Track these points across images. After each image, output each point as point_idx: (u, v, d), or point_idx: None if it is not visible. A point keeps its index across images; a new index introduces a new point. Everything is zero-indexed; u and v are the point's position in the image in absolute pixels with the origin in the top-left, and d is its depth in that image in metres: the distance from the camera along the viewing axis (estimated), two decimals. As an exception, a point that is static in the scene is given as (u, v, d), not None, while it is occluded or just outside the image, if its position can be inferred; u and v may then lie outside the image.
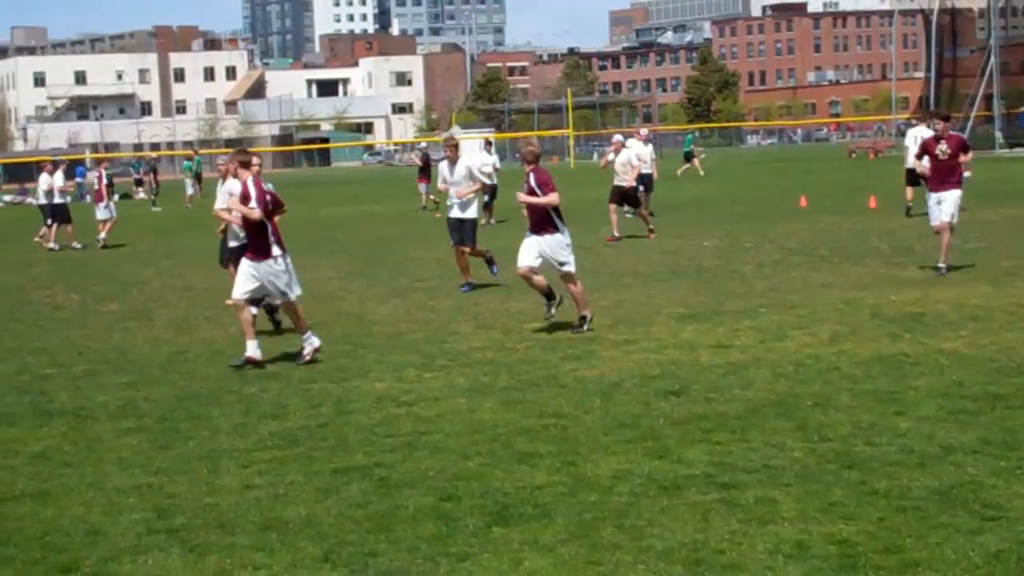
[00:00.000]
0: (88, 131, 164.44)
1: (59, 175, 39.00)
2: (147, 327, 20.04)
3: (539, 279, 17.45)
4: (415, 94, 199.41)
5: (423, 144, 56.13)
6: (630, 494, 9.50)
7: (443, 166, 23.63)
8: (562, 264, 17.31)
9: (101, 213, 38.71)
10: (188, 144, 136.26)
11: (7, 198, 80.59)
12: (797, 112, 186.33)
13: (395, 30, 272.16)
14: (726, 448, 10.72)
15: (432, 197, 47.94)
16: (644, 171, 39.89)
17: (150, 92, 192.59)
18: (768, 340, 15.86)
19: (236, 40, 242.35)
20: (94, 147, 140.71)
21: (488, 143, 43.84)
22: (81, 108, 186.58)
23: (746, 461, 10.26)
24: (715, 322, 17.64)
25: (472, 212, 23.26)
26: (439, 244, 30.47)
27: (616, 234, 31.94)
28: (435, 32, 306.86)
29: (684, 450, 10.72)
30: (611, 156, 32.77)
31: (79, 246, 37.88)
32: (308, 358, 15.73)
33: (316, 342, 15.84)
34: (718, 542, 8.33)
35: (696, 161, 69.87)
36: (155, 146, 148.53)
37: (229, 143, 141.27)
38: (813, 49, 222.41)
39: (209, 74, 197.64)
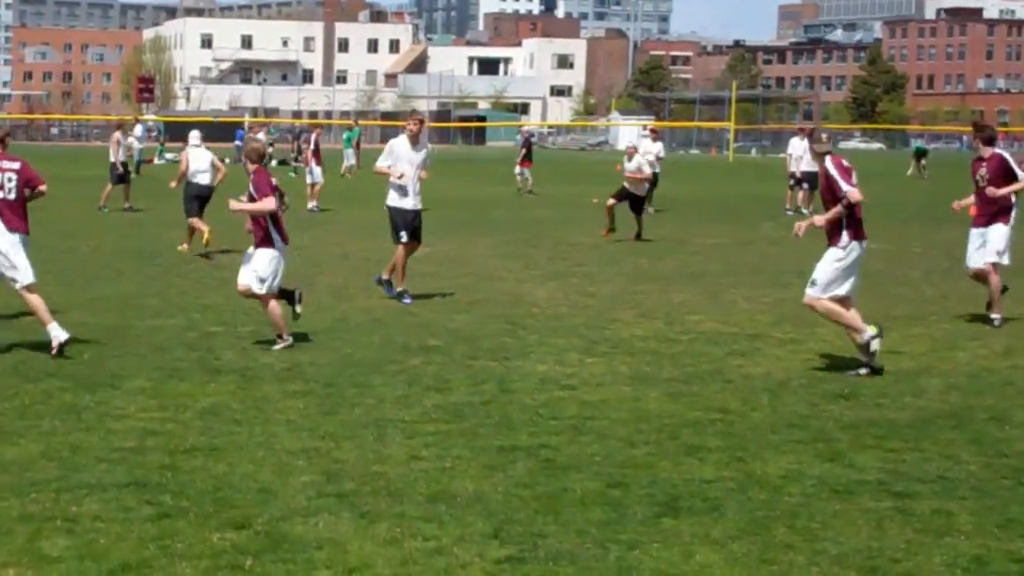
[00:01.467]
0: (249, 95, 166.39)
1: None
2: (308, 291, 20.22)
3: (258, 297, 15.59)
4: (575, 77, 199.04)
5: (526, 128, 55.94)
6: (801, 495, 9.47)
7: (401, 143, 19.35)
8: (262, 280, 15.31)
9: (311, 177, 39.50)
10: (346, 114, 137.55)
11: (169, 156, 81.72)
12: (964, 118, 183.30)
13: (560, 12, 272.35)
14: (899, 456, 10.64)
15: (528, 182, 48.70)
16: (807, 169, 39.73)
17: (313, 60, 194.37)
18: (939, 349, 15.71)
19: (402, 14, 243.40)
20: (254, 111, 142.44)
21: (654, 132, 43.63)
22: (244, 72, 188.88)
23: (920, 471, 10.16)
24: (884, 327, 17.43)
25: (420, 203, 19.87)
26: (597, 230, 30.49)
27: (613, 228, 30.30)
28: (600, 17, 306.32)
29: (856, 455, 10.65)
30: (626, 163, 31.67)
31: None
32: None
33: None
34: (893, 551, 8.27)
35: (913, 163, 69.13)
36: (313, 114, 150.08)
37: (386, 116, 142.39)
38: (985, 55, 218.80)
39: (373, 46, 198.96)
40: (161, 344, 15.24)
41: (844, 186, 14.38)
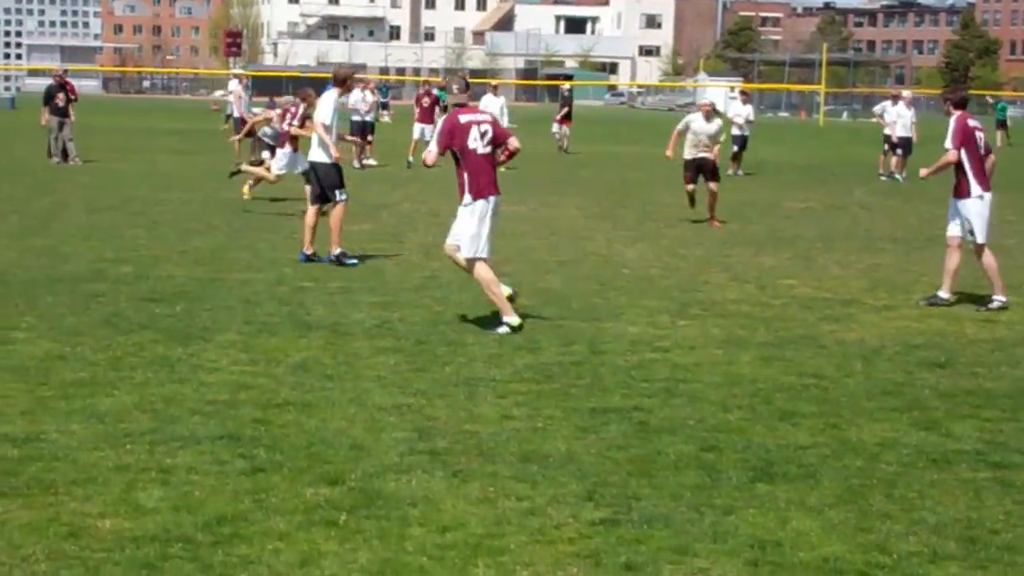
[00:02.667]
0: (337, 51, 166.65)
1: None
2: (398, 249, 20.32)
3: None
4: (663, 38, 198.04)
5: (566, 86, 55.38)
6: (898, 463, 9.37)
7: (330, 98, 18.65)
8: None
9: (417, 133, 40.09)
10: (433, 71, 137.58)
11: (256, 110, 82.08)
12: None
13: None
14: (996, 426, 10.51)
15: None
16: (903, 134, 39.45)
17: (400, 17, 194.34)
18: (1035, 319, 15.54)
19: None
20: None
21: (744, 94, 43.35)
22: (332, 28, 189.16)
23: (1018, 442, 10.04)
24: (978, 296, 17.30)
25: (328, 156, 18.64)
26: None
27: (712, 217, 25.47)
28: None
29: (952, 424, 10.54)
30: (685, 125, 25.87)
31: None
32: None
33: None
34: (992, 522, 8.16)
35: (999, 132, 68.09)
36: (401, 71, 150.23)
37: (474, 73, 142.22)
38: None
39: (460, 3, 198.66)
40: (252, 298, 15.31)
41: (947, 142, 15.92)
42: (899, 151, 39.93)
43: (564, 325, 14.31)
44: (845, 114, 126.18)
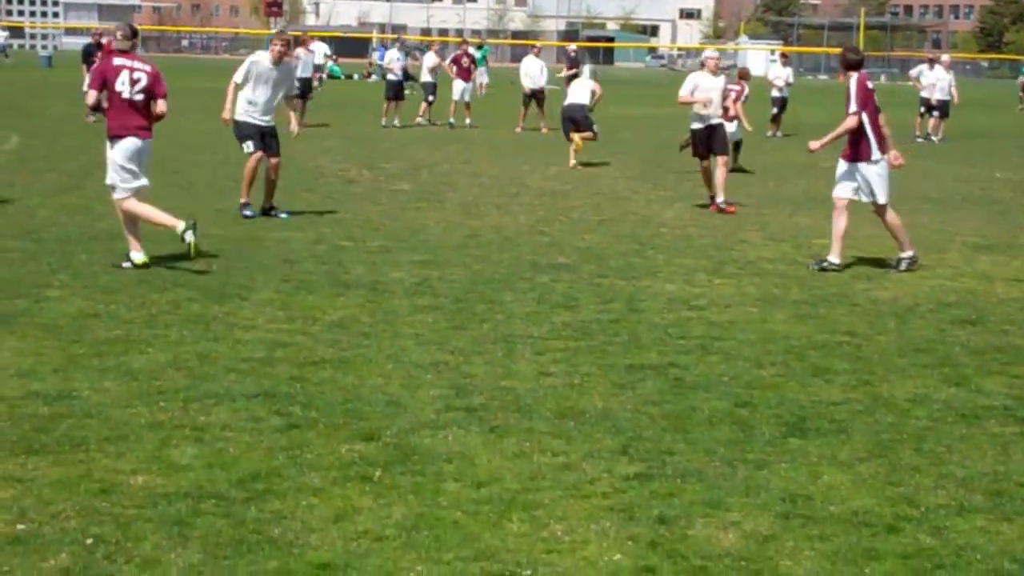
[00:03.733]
0: (378, 11, 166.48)
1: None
2: (438, 209, 20.26)
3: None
4: (704, 1, 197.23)
5: (572, 47, 55.17)
6: (928, 419, 9.32)
7: (263, 62, 18.62)
8: None
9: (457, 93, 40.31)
10: (476, 32, 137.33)
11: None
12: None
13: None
14: (1025, 382, 10.47)
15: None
16: (941, 97, 39.27)
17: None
18: (1069, 278, 15.41)
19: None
20: (382, 27, 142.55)
21: (784, 56, 43.06)
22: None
23: (1047, 398, 10.00)
24: (1010, 255, 17.21)
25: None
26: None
27: (721, 200, 21.33)
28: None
29: (982, 380, 10.48)
30: (693, 85, 21.51)
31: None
32: None
33: None
34: (1020, 476, 8.12)
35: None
36: (443, 31, 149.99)
37: (516, 35, 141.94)
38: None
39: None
40: (289, 257, 15.27)
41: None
42: (936, 113, 39.78)
43: (602, 283, 14.26)
44: (883, 77, 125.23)
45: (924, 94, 40.20)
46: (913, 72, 42.50)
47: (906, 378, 10.49)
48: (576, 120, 28.35)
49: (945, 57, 41.80)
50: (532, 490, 7.56)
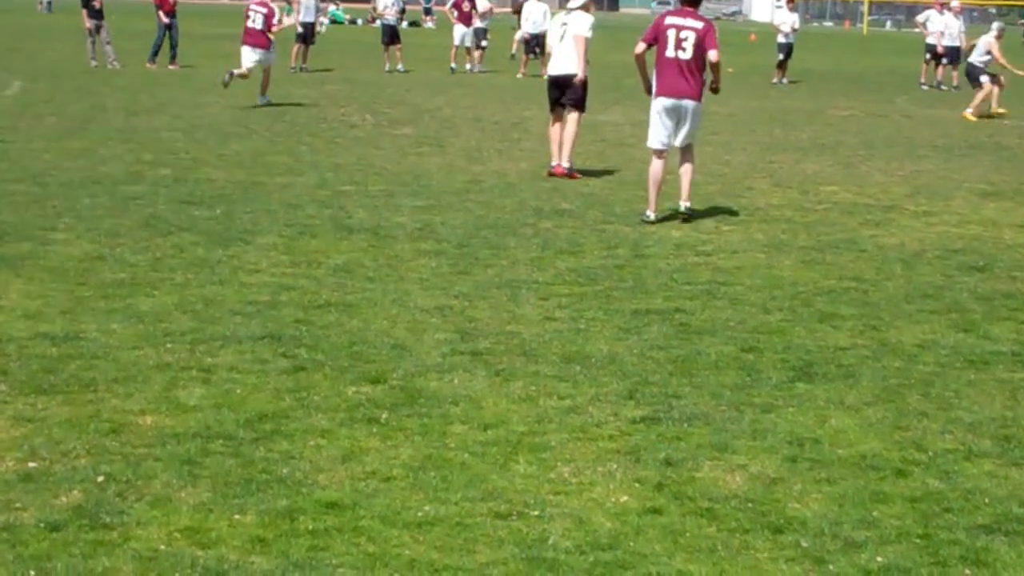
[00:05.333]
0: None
1: None
2: (440, 154, 20.30)
3: None
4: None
5: None
6: (936, 364, 9.40)
7: None
8: None
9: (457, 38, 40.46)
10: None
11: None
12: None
13: None
14: (1034, 328, 10.55)
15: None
16: (950, 44, 39.18)
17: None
18: (1076, 224, 15.48)
19: None
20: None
21: (790, 2, 42.88)
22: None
23: (1055, 344, 10.08)
24: (1017, 201, 17.27)
25: None
26: (732, 100, 30.18)
27: None
28: None
29: (990, 326, 10.57)
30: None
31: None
32: None
33: None
34: (1028, 421, 8.22)
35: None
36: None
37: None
38: None
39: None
40: (292, 201, 15.32)
41: None
42: (945, 60, 39.64)
43: (607, 229, 14.32)
44: (888, 23, 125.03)
45: (931, 41, 40.07)
46: (920, 17, 42.44)
47: (913, 324, 10.56)
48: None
49: (955, 3, 41.66)
50: (539, 433, 7.64)
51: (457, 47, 40.20)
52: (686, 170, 15.26)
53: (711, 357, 9.35)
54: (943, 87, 39.24)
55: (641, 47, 15.07)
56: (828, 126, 27.10)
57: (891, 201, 16.84)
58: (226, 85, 26.68)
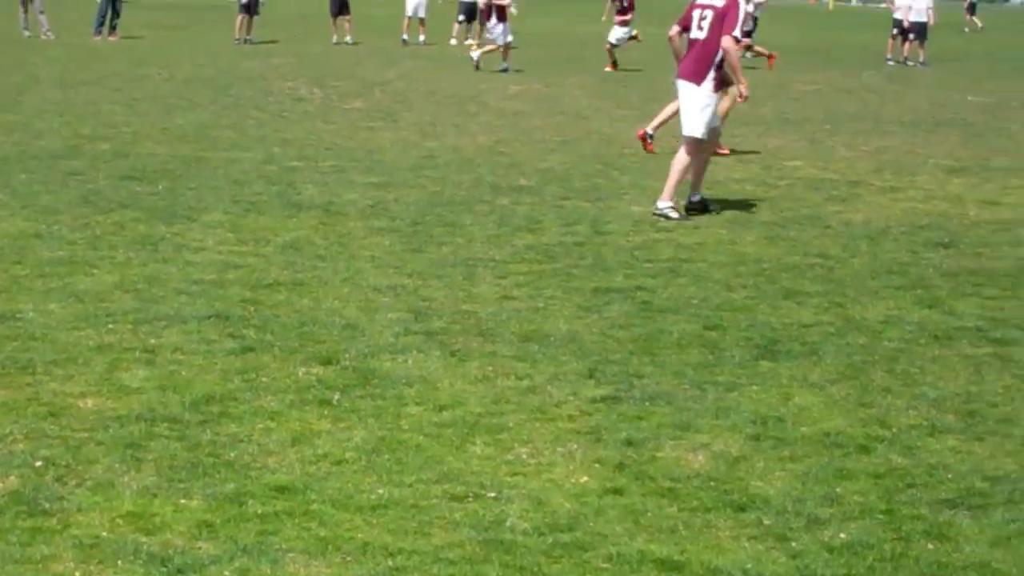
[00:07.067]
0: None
1: None
2: (393, 128, 20.28)
3: None
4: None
5: None
6: (900, 340, 9.48)
7: None
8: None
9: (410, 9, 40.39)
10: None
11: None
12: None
13: None
14: (998, 304, 10.68)
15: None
16: (917, 20, 39.35)
17: None
18: (1039, 200, 15.62)
19: None
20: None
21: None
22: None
23: (1019, 318, 10.22)
24: (983, 177, 17.38)
25: None
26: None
27: None
28: None
29: (955, 302, 10.67)
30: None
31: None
32: None
33: None
34: (992, 396, 8.31)
35: (968, 17, 67.95)
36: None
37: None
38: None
39: None
40: (239, 177, 15.28)
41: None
42: (911, 36, 39.80)
43: (566, 205, 14.33)
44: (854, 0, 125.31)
45: (898, 16, 40.23)
46: (888, -8, 42.61)
47: (878, 300, 10.64)
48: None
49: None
50: (496, 414, 7.66)
51: (410, 18, 40.10)
52: (673, 162, 14.36)
53: (673, 335, 9.39)
54: (909, 63, 39.45)
55: (675, 29, 14.40)
56: (793, 100, 27.21)
57: (857, 176, 16.92)
58: None
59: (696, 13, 14.05)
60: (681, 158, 14.18)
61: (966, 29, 64.93)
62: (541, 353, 8.86)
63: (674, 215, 13.82)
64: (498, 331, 9.38)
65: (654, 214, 13.98)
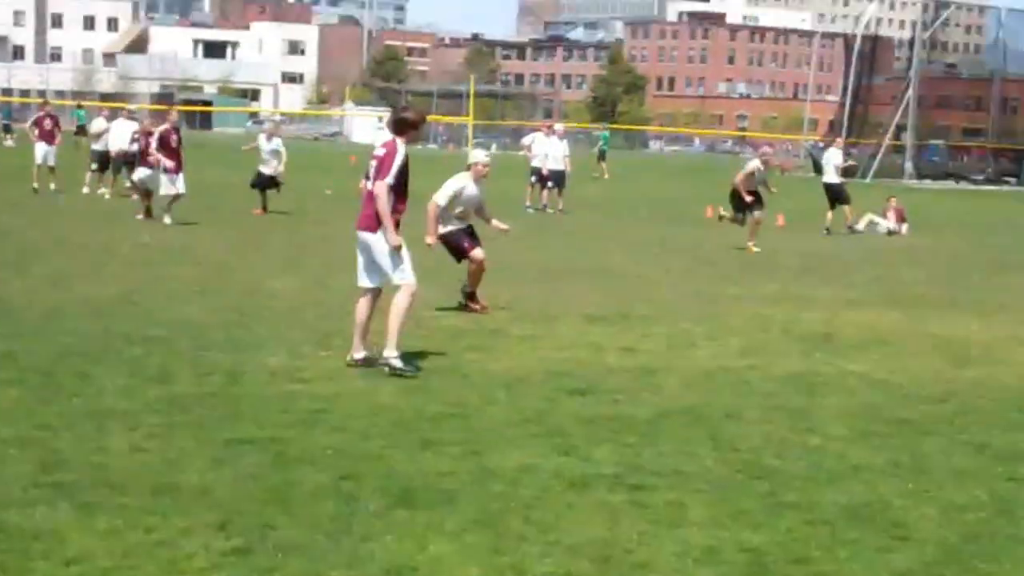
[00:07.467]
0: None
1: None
2: (22, 278, 19.90)
3: None
4: (307, 65, 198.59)
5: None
6: (537, 488, 9.67)
7: None
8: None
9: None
10: (60, 93, 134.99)
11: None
12: (704, 122, 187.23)
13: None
14: (635, 451, 10.95)
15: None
16: (555, 168, 40.57)
17: (24, 36, 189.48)
18: (677, 348, 16.11)
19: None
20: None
21: (549, 128, 43.12)
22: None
23: (656, 465, 10.49)
24: (622, 326, 17.85)
25: None
26: (332, 220, 30.42)
27: None
28: (333, 3, 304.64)
29: (592, 449, 10.92)
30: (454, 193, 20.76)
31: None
32: None
33: None
34: (627, 542, 8.53)
35: (603, 163, 70.35)
36: (25, 92, 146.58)
37: (104, 97, 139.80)
38: (727, 60, 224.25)
39: (89, 23, 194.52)
40: None
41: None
42: (550, 184, 40.88)
43: (201, 356, 14.25)
44: (495, 146, 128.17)
45: (536, 164, 41.33)
46: (526, 140, 43.82)
47: (515, 448, 10.83)
48: None
49: (559, 126, 43.08)
50: (125, 568, 7.58)
51: (40, 165, 39.53)
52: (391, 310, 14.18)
53: (307, 486, 9.42)
54: (549, 210, 40.45)
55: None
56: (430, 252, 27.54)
57: (496, 325, 17.23)
58: None
59: (372, 163, 14.15)
60: (400, 302, 14.16)
61: (595, 174, 66.96)
62: (172, 506, 8.79)
63: (399, 363, 13.89)
64: (129, 484, 9.27)
65: (379, 363, 13.96)
